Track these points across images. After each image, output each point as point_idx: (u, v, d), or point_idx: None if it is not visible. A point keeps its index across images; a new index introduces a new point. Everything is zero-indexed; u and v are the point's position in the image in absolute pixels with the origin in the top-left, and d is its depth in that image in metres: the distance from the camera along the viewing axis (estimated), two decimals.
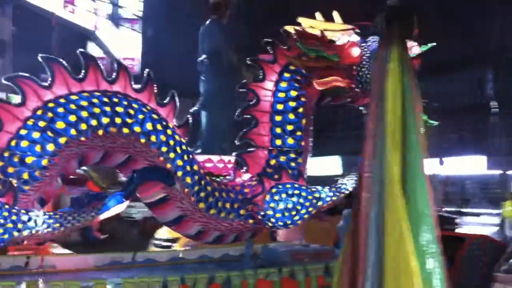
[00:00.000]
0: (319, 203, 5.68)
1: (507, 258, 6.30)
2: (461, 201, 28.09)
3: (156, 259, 5.99)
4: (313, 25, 5.60)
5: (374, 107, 3.09)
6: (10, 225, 4.61)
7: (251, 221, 5.52)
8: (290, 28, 5.71)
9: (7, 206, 4.60)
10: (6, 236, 4.61)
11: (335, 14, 5.63)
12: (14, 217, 4.65)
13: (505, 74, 26.77)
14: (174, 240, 11.59)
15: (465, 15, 25.70)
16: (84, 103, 5.00)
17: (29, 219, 4.73)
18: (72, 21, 23.36)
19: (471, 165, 26.23)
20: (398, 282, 2.78)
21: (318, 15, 5.52)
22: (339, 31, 5.44)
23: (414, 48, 5.39)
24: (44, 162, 4.82)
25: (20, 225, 4.65)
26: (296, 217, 5.56)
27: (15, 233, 4.66)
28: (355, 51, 5.35)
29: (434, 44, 5.84)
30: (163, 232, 12.38)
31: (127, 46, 31.39)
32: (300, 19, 5.45)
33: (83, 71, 5.05)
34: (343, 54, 5.35)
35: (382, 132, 2.99)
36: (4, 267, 5.25)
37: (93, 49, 28.20)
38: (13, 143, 4.79)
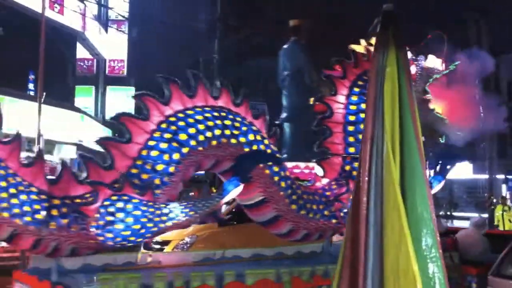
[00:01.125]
0: None
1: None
2: (450, 204, 28.27)
3: (241, 255, 6.72)
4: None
5: (372, 110, 3.08)
6: (157, 219, 5.38)
7: (334, 221, 6.30)
8: (356, 47, 7.00)
9: (151, 203, 5.35)
10: (155, 229, 5.42)
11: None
12: (158, 212, 5.42)
13: None
14: (165, 243, 11.57)
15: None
16: (199, 117, 5.88)
17: (170, 211, 5.48)
18: (60, 22, 23.14)
19: (458, 170, 26.45)
20: (398, 284, 2.76)
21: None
22: None
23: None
24: (171, 169, 5.64)
25: (164, 218, 5.40)
26: None
27: (161, 225, 5.42)
28: (413, 69, 6.40)
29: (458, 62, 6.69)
30: None
31: (115, 47, 31.20)
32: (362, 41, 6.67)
33: (193, 88, 5.91)
34: None
35: (380, 135, 2.98)
36: (119, 263, 5.92)
37: (81, 50, 28.00)
38: (144, 152, 5.58)
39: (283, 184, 5.97)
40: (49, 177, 5.46)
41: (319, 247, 6.88)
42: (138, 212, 5.28)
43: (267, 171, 5.92)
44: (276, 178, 5.95)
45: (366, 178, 2.98)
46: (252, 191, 5.75)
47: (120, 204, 5.26)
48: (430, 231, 2.85)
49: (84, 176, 5.42)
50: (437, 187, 6.44)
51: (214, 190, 12.83)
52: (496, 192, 26.22)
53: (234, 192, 5.71)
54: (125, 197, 5.29)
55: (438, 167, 6.23)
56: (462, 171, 26.37)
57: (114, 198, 5.24)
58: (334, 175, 6.51)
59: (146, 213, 5.35)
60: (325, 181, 6.54)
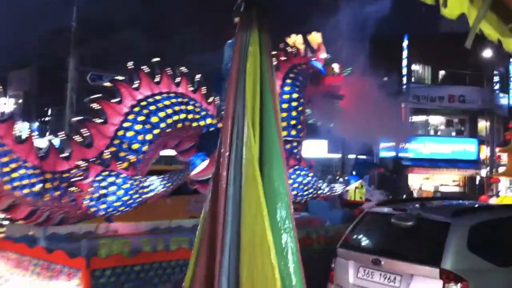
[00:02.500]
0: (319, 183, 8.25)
1: None
2: None
3: (185, 225, 7.65)
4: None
5: (233, 87, 3.13)
6: (141, 190, 6.20)
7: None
8: (291, 41, 8.01)
9: (135, 177, 6.21)
10: (140, 199, 6.23)
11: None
12: (141, 184, 6.24)
13: None
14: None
15: None
16: (167, 102, 6.70)
17: (151, 184, 6.34)
18: None
19: (315, 150, 27.76)
20: (254, 256, 2.87)
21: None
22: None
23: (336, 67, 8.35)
24: (145, 148, 6.43)
25: (146, 189, 6.25)
26: (311, 190, 8.01)
27: (144, 196, 6.26)
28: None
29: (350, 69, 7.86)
30: None
31: None
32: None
33: (158, 75, 6.71)
34: None
35: (241, 112, 3.05)
36: (79, 232, 6.57)
37: None
38: (120, 132, 6.31)
39: None
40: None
41: None
42: (126, 186, 6.05)
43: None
44: None
45: (227, 154, 3.05)
46: (210, 167, 6.14)
47: (111, 179, 5.99)
48: (285, 204, 2.98)
49: (68, 153, 6.09)
50: (354, 184, 9.14)
51: None
52: (347, 170, 27.98)
53: (201, 165, 6.51)
54: (114, 172, 6.05)
55: (356, 171, 8.54)
56: (318, 150, 27.75)
57: (105, 173, 5.99)
58: None
59: (132, 186, 6.12)
60: None
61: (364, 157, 24.87)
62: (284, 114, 7.69)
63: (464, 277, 5.32)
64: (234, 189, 2.99)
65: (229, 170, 3.02)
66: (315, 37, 8.16)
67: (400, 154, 27.61)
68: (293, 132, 7.84)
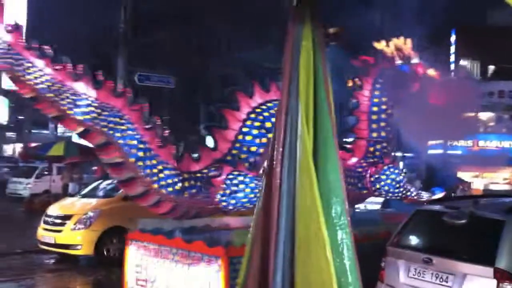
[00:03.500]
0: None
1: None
2: None
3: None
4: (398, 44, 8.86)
5: (287, 82, 3.13)
6: (256, 190, 6.68)
7: (364, 191, 8.26)
8: (379, 46, 8.77)
9: (257, 177, 6.81)
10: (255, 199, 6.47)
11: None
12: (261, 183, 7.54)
13: None
14: (67, 217, 11.23)
15: None
16: (275, 110, 6.88)
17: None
18: None
19: None
20: (309, 252, 2.86)
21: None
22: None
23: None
24: (261, 150, 7.14)
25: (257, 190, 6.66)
26: (401, 189, 8.41)
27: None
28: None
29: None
30: (54, 209, 11.92)
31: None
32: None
33: (266, 84, 7.46)
34: None
35: (294, 107, 3.04)
36: (199, 225, 7.44)
37: None
38: (240, 137, 7.12)
39: None
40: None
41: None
42: (252, 184, 6.74)
43: None
44: None
45: (281, 149, 3.04)
46: None
47: (240, 178, 6.76)
48: (340, 199, 2.95)
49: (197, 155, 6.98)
50: (438, 195, 8.93)
51: None
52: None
53: None
54: (243, 172, 6.84)
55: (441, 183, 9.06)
56: None
57: (236, 173, 6.77)
58: (360, 156, 8.40)
59: (257, 185, 6.67)
60: (354, 160, 8.41)
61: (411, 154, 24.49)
62: (375, 117, 8.48)
63: None
64: (288, 184, 2.98)
65: (283, 165, 3.01)
66: (404, 43, 8.97)
67: (449, 152, 27.06)
68: (383, 134, 8.59)
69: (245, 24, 30.13)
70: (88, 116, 6.26)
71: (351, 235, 2.94)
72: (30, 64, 6.13)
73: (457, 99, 8.59)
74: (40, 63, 6.23)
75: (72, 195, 13.70)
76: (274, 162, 3.05)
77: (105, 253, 10.92)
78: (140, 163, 6.46)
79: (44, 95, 6.14)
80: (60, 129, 38.81)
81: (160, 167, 6.53)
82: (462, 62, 30.66)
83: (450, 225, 5.87)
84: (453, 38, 29.83)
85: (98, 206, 11.31)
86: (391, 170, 8.39)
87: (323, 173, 2.97)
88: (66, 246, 10.96)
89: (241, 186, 6.75)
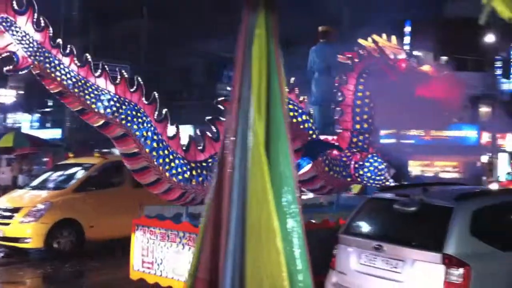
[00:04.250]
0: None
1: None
2: None
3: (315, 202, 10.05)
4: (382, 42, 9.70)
5: (239, 71, 3.09)
6: None
7: (349, 179, 9.12)
8: (364, 42, 9.51)
9: None
10: None
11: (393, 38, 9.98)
12: None
13: None
14: (15, 210, 10.94)
15: None
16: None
17: None
18: None
19: None
20: (259, 241, 2.86)
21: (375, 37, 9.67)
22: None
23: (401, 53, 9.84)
24: None
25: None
26: (382, 177, 9.17)
27: None
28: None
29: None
30: (3, 202, 11.61)
31: None
32: (374, 37, 9.50)
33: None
34: None
35: (246, 95, 3.01)
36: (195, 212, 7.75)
37: None
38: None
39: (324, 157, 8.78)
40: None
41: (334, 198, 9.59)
42: None
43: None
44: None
45: (233, 138, 3.02)
46: (311, 169, 8.64)
47: None
48: (291, 188, 2.96)
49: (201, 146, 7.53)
50: (307, 167, 9.02)
51: (71, 155, 12.36)
52: None
53: (306, 168, 8.45)
54: None
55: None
56: None
57: None
58: (344, 146, 9.12)
59: None
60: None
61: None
62: (358, 110, 9.21)
63: (466, 262, 5.32)
64: (240, 174, 2.96)
65: (234, 155, 2.99)
66: (389, 39, 9.87)
67: (401, 141, 27.63)
68: (365, 126, 9.33)
69: (203, 14, 29.90)
70: (109, 110, 6.77)
71: (302, 223, 2.95)
72: (57, 62, 6.63)
73: (447, 94, 9.35)
74: (66, 60, 6.75)
75: (21, 187, 13.34)
76: (226, 152, 3.03)
77: (55, 246, 10.71)
78: (154, 153, 7.06)
79: (70, 90, 6.67)
80: (10, 119, 37.65)
81: (171, 156, 7.15)
82: (416, 53, 31.21)
83: (401, 212, 6.00)
84: (408, 29, 30.33)
85: (49, 199, 11.06)
86: (374, 158, 9.19)
87: (274, 163, 2.96)
88: (15, 239, 10.69)
89: None
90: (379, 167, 9.10)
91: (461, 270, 5.29)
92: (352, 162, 9.09)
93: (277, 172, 2.95)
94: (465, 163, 30.64)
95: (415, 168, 30.24)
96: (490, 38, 27.03)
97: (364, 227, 6.57)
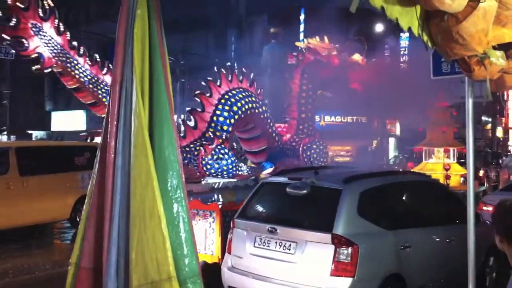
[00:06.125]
0: None
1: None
2: None
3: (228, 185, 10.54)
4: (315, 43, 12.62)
5: (121, 52, 2.98)
6: (235, 164, 11.15)
7: (296, 162, 11.24)
8: (300, 44, 12.64)
9: (231, 152, 11.00)
10: (235, 170, 10.76)
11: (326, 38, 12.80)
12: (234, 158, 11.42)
13: None
14: None
15: None
16: (240, 95, 10.71)
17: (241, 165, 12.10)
18: None
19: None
20: (144, 226, 2.79)
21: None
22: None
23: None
24: (230, 129, 10.46)
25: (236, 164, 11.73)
26: (324, 159, 11.96)
27: (238, 168, 11.10)
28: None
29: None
30: None
31: None
32: (308, 40, 12.48)
33: (229, 75, 11.07)
34: None
35: (129, 78, 2.91)
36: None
37: None
38: (214, 118, 10.44)
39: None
40: None
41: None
42: (233, 158, 10.14)
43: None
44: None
45: (115, 122, 2.91)
46: (274, 171, 10.58)
47: (223, 150, 9.93)
48: (176, 173, 2.91)
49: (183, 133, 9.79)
50: (269, 170, 11.01)
51: None
52: None
53: (268, 170, 11.38)
54: (223, 145, 10.02)
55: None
56: None
57: (220, 146, 9.93)
58: (292, 132, 11.25)
59: (232, 158, 10.23)
60: (288, 135, 11.32)
61: None
62: (303, 101, 11.52)
63: (354, 241, 5.54)
64: (123, 159, 2.87)
65: (117, 139, 2.88)
66: (322, 40, 12.62)
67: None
68: (309, 114, 11.65)
69: None
70: None
71: (187, 207, 2.92)
72: (75, 62, 8.10)
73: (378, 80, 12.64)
74: (81, 60, 8.27)
75: None
76: (109, 136, 2.92)
77: None
78: None
79: (86, 86, 8.12)
80: None
81: None
82: (311, 41, 32.08)
83: (293, 195, 6.14)
84: (302, 17, 31.04)
85: None
86: (318, 143, 11.40)
87: (158, 147, 2.89)
88: None
89: (226, 156, 9.76)
90: (324, 150, 11.44)
91: (349, 250, 5.50)
92: (300, 147, 10.97)
93: (162, 157, 2.89)
94: (357, 148, 32.04)
95: None
96: (379, 27, 28.32)
97: (259, 210, 6.66)
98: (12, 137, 31.06)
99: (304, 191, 6.04)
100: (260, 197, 6.70)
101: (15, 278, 8.13)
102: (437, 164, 17.93)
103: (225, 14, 28.81)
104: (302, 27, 31.01)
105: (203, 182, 10.94)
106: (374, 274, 5.69)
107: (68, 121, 33.52)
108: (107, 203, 2.85)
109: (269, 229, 5.99)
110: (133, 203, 2.81)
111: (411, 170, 15.51)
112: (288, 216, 6.30)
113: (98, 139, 11.33)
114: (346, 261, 5.50)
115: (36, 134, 37.00)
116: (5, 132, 32.20)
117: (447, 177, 16.58)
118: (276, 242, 5.95)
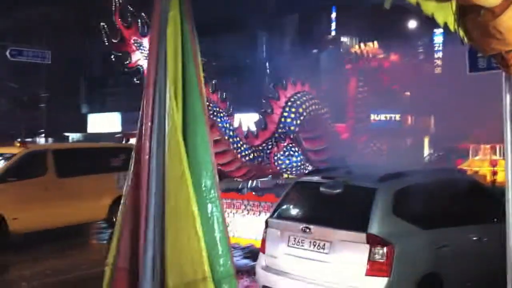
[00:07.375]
0: None
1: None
2: None
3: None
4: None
5: (154, 55, 3.01)
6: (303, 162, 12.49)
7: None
8: (356, 49, 13.92)
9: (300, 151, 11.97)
10: (302, 166, 11.84)
11: None
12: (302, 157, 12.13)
13: None
14: None
15: None
16: (303, 99, 11.78)
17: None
18: None
19: None
20: (179, 227, 2.81)
21: None
22: None
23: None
24: (297, 129, 11.31)
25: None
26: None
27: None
28: None
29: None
30: None
31: None
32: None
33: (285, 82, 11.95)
34: None
35: (162, 80, 2.93)
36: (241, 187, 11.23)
37: None
38: (282, 119, 11.21)
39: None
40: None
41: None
42: (300, 155, 10.99)
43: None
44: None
45: (150, 123, 2.94)
46: None
47: (294, 148, 10.84)
48: (210, 173, 2.92)
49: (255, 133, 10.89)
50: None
51: (18, 144, 11.91)
52: None
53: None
54: (293, 144, 10.91)
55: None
56: None
57: (291, 144, 10.89)
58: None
59: (301, 156, 11.05)
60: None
61: None
62: (359, 102, 12.99)
63: (390, 241, 5.48)
64: (158, 160, 2.90)
65: (151, 141, 2.91)
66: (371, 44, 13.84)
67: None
68: (364, 115, 13.23)
69: None
70: None
71: (221, 208, 2.93)
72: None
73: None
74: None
75: None
76: (143, 137, 2.95)
77: None
78: (231, 140, 10.04)
79: None
80: None
81: (240, 143, 10.21)
82: (343, 39, 31.90)
83: (327, 195, 6.10)
84: (333, 15, 30.88)
85: None
86: (374, 142, 12.79)
87: (192, 148, 2.91)
88: None
89: (296, 154, 10.68)
90: (381, 147, 12.68)
91: (384, 249, 5.44)
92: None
93: (196, 157, 2.91)
94: (394, 145, 31.59)
95: None
96: (412, 24, 27.94)
97: (292, 210, 6.65)
98: (49, 140, 31.73)
99: (338, 190, 6.00)
100: (294, 196, 6.69)
101: (53, 279, 8.28)
102: (484, 161, 18.04)
103: (255, 15, 28.86)
104: (333, 25, 30.90)
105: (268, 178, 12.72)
106: (410, 273, 5.62)
107: (103, 123, 34.07)
108: (142, 203, 2.88)
109: (303, 228, 5.97)
110: (168, 204, 2.84)
111: (447, 167, 15.32)
112: (322, 216, 6.26)
113: (133, 141, 11.62)
114: (381, 260, 5.44)
115: (73, 136, 37.76)
116: (43, 135, 32.95)
117: (494, 173, 16.50)
118: (310, 242, 5.93)
